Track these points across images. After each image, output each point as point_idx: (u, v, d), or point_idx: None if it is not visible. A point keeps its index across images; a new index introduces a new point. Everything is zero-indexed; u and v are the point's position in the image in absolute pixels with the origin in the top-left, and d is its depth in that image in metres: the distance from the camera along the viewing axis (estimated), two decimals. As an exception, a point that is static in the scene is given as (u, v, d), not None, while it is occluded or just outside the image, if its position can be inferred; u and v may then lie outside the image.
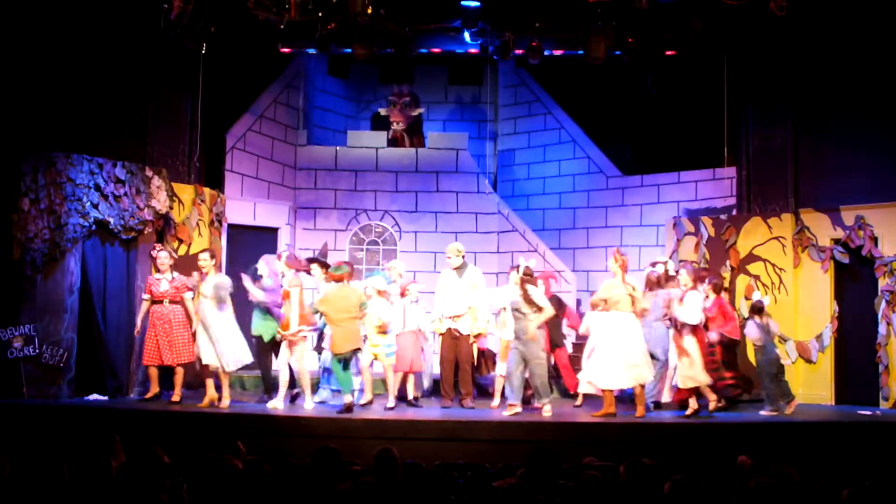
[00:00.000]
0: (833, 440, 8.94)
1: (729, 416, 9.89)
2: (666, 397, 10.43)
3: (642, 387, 9.68)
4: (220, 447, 6.14)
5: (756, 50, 11.91)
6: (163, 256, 10.33)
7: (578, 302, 13.17)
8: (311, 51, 13.05)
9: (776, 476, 4.92)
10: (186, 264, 10.83)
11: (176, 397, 10.19)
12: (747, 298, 11.29)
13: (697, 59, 12.47)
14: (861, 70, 11.28)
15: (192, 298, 10.19)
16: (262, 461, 5.31)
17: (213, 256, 10.28)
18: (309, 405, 9.91)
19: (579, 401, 10.67)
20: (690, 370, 9.54)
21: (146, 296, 10.32)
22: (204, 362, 9.93)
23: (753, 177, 12.17)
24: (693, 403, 9.61)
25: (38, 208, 10.25)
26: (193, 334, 10.06)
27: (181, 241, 11.59)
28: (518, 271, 9.73)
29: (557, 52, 12.42)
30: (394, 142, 14.82)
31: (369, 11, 10.46)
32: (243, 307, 10.56)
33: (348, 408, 9.48)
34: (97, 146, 10.90)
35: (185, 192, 11.71)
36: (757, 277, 11.76)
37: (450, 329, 10.47)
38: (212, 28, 11.09)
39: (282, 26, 10.50)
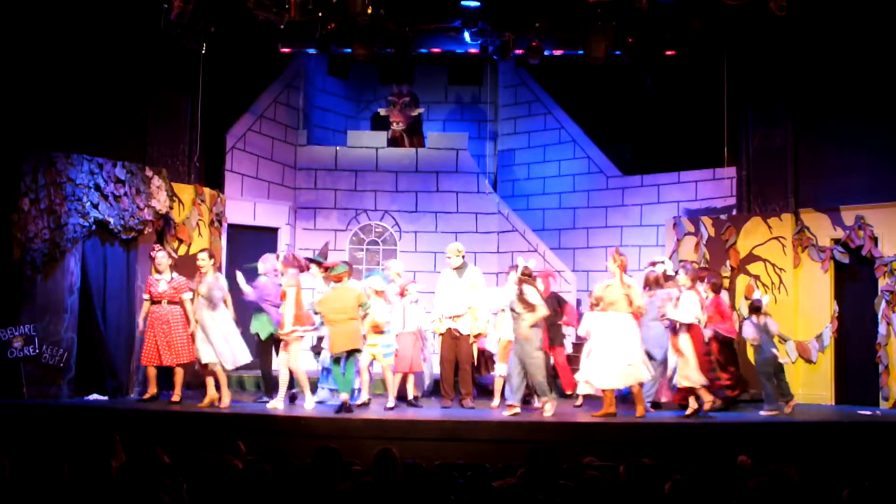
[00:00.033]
0: (833, 440, 8.94)
1: (729, 416, 9.89)
2: (664, 397, 10.43)
3: (640, 386, 9.68)
4: (220, 447, 6.14)
5: (756, 50, 11.91)
6: (160, 257, 10.32)
7: (578, 302, 13.17)
8: (311, 51, 13.06)
9: (776, 476, 4.92)
10: (186, 264, 10.83)
11: (176, 397, 10.18)
12: (747, 298, 11.29)
13: (697, 59, 12.47)
14: (861, 70, 11.28)
15: (191, 299, 10.17)
16: (262, 461, 5.31)
17: (211, 256, 10.27)
18: (309, 405, 9.91)
19: (579, 401, 10.67)
20: (685, 370, 9.56)
21: (146, 296, 10.33)
22: (203, 361, 9.93)
23: (753, 177, 12.17)
24: (693, 403, 9.61)
25: (38, 208, 10.25)
26: (192, 335, 10.06)
27: (181, 241, 11.60)
28: (517, 271, 9.75)
29: (557, 52, 12.42)
30: (393, 142, 14.82)
31: (369, 11, 10.46)
32: (243, 306, 10.57)
33: (346, 408, 9.48)
34: (97, 146, 10.90)
35: (185, 192, 11.71)
36: (757, 277, 11.76)
37: (450, 329, 10.47)
38: (212, 28, 11.09)
39: (282, 26, 10.50)
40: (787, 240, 11.67)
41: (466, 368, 10.45)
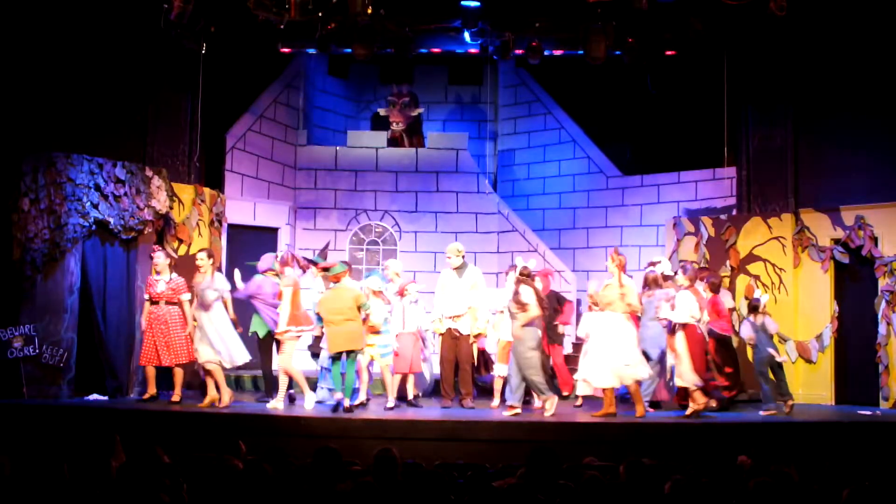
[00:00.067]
0: (833, 440, 8.93)
1: (729, 416, 9.89)
2: (661, 396, 10.42)
3: (638, 385, 9.67)
4: (220, 447, 6.14)
5: (756, 50, 11.91)
6: (157, 258, 10.30)
7: (578, 302, 13.17)
8: (311, 51, 13.06)
9: (776, 476, 4.92)
10: (186, 264, 10.83)
11: (176, 397, 10.18)
12: (747, 298, 11.29)
13: (697, 59, 12.47)
14: (861, 70, 11.27)
15: (190, 300, 10.16)
16: (262, 461, 5.31)
17: (210, 256, 10.27)
18: (309, 404, 9.91)
19: (579, 401, 10.68)
20: (680, 369, 9.57)
21: (146, 296, 10.34)
22: (200, 360, 9.94)
23: (753, 177, 12.17)
24: (692, 403, 9.60)
25: (38, 208, 10.25)
26: (190, 335, 10.07)
27: (181, 241, 11.60)
28: (515, 271, 9.78)
29: (557, 52, 12.43)
30: (393, 142, 14.83)
31: (369, 11, 10.46)
32: (245, 307, 10.58)
33: (346, 408, 9.48)
34: (97, 146, 10.90)
35: (185, 192, 11.71)
36: (757, 277, 11.76)
37: (450, 329, 10.47)
38: (212, 28, 11.09)
39: (282, 26, 10.50)
40: (787, 240, 11.67)
41: (466, 368, 10.45)
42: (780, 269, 11.70)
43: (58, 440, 7.69)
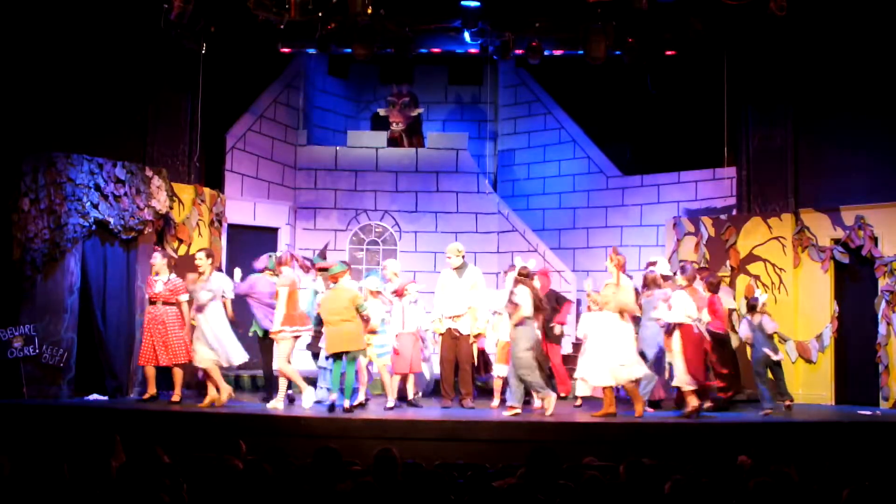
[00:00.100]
0: (833, 440, 8.93)
1: (729, 416, 9.89)
2: (659, 395, 10.41)
3: (636, 384, 9.66)
4: (220, 447, 6.14)
5: (756, 50, 11.91)
6: (154, 258, 10.30)
7: (578, 302, 13.17)
8: (311, 51, 13.06)
9: (776, 476, 4.92)
10: (186, 264, 10.83)
11: (176, 397, 10.17)
12: (747, 298, 11.29)
13: (697, 59, 12.47)
14: (861, 70, 11.28)
15: (189, 301, 10.16)
16: (262, 461, 5.31)
17: (209, 256, 10.27)
18: (307, 402, 9.89)
19: (578, 401, 10.68)
20: (675, 370, 9.56)
21: (147, 296, 10.33)
22: (196, 360, 9.95)
23: (753, 177, 12.18)
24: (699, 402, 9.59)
25: (38, 208, 10.25)
26: (188, 335, 10.08)
27: (181, 241, 11.60)
28: (514, 271, 9.79)
29: (557, 52, 12.43)
30: (393, 142, 14.83)
31: (369, 11, 10.46)
32: (244, 306, 10.58)
33: (346, 409, 9.48)
34: (97, 146, 10.90)
35: (185, 192, 11.71)
36: (757, 277, 11.76)
37: (450, 329, 10.47)
38: (212, 28, 11.10)
39: (282, 26, 10.51)
40: (787, 240, 11.67)
41: (466, 368, 10.45)
42: (780, 269, 11.70)
43: (58, 440, 7.68)
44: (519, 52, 12.18)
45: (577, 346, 11.92)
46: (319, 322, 10.04)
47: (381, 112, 15.14)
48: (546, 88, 15.34)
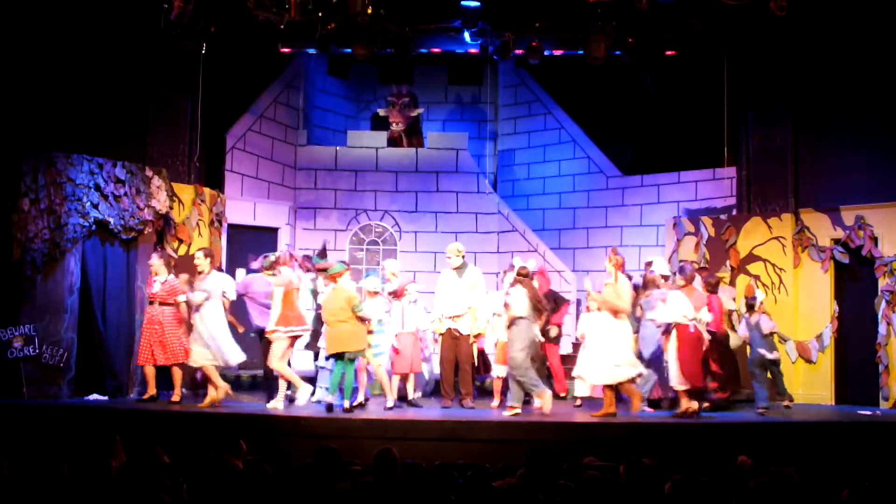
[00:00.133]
0: (833, 440, 8.93)
1: (729, 416, 9.89)
2: (657, 395, 10.42)
3: (632, 382, 9.65)
4: (220, 447, 6.14)
5: (756, 50, 11.91)
6: (152, 259, 10.28)
7: (578, 302, 13.17)
8: (311, 51, 13.06)
9: (776, 476, 4.91)
10: (186, 264, 10.83)
11: (176, 397, 10.17)
12: (747, 298, 11.28)
13: (697, 59, 12.47)
14: (861, 70, 11.28)
15: (186, 301, 10.16)
16: (262, 461, 5.31)
17: (207, 256, 10.26)
18: (302, 399, 9.87)
19: (578, 401, 10.68)
20: (671, 370, 9.58)
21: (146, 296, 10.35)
22: (191, 360, 9.96)
23: (753, 177, 12.18)
24: (693, 404, 9.59)
25: (38, 208, 10.25)
26: (186, 335, 10.08)
27: (181, 241, 11.60)
28: (512, 271, 9.81)
29: (557, 52, 12.43)
30: (392, 142, 14.83)
31: (369, 11, 10.46)
32: (243, 306, 10.58)
33: (346, 409, 9.48)
34: (97, 146, 10.90)
35: (185, 192, 11.72)
36: (757, 277, 11.77)
37: (450, 329, 10.47)
38: (212, 28, 11.10)
39: (282, 26, 10.51)
40: (787, 240, 11.68)
41: (466, 368, 10.45)
42: (780, 269, 11.71)
43: (58, 440, 7.68)
44: (519, 52, 12.18)
45: (577, 346, 11.90)
46: (318, 321, 10.03)
47: (381, 112, 15.14)
48: (546, 88, 15.34)
